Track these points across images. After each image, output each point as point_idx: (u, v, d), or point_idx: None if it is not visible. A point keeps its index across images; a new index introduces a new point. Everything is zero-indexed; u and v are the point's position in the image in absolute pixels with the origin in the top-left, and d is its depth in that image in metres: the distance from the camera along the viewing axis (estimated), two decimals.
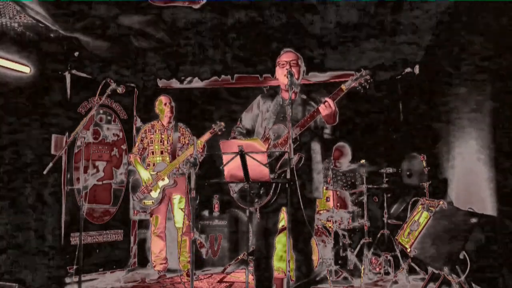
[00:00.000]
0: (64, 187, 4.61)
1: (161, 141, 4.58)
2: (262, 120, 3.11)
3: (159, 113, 4.66)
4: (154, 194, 4.45)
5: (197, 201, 4.65)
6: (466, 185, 4.00)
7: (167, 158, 4.52)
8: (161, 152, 4.56)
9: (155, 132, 4.61)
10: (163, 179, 4.46)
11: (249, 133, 3.24)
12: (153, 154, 4.58)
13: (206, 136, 4.43)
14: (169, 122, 4.65)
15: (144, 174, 4.48)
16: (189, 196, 4.30)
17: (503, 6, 3.34)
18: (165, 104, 4.62)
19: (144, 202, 4.46)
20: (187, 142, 4.64)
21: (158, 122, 4.66)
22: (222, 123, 4.43)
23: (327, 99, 2.78)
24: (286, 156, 2.76)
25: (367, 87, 2.83)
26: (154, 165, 4.52)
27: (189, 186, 4.07)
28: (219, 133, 4.41)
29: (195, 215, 4.74)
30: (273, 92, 3.21)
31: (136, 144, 4.66)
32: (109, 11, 3.90)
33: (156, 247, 4.59)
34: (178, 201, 4.53)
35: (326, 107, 2.77)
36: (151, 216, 4.60)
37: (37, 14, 3.79)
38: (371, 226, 4.65)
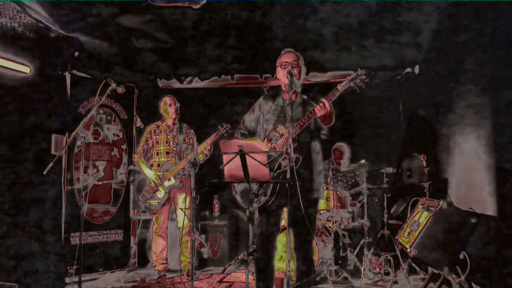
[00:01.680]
0: (64, 187, 4.61)
1: (167, 142, 4.58)
2: (263, 121, 3.11)
3: (163, 113, 4.67)
4: (160, 194, 4.45)
5: (197, 201, 4.66)
6: (466, 185, 4.00)
7: (173, 159, 4.52)
8: (167, 153, 4.55)
9: (161, 133, 4.61)
10: (169, 179, 4.46)
11: (251, 135, 3.23)
12: (158, 154, 4.57)
13: (213, 137, 4.44)
14: (173, 123, 4.65)
15: (150, 174, 4.48)
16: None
17: (503, 5, 3.34)
18: (170, 105, 4.61)
19: (149, 202, 4.46)
20: (192, 142, 4.65)
21: (162, 123, 4.66)
22: (228, 125, 4.44)
23: (322, 99, 2.77)
24: (283, 157, 2.76)
25: (363, 87, 2.81)
26: (158, 165, 4.52)
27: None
28: (225, 134, 4.42)
29: (195, 215, 4.74)
30: (275, 93, 3.21)
31: (141, 145, 4.63)
32: (109, 11, 3.90)
33: (157, 246, 4.58)
34: (182, 201, 4.53)
35: (321, 107, 2.75)
36: (154, 215, 4.60)
37: (37, 14, 3.79)
38: (371, 226, 4.65)
